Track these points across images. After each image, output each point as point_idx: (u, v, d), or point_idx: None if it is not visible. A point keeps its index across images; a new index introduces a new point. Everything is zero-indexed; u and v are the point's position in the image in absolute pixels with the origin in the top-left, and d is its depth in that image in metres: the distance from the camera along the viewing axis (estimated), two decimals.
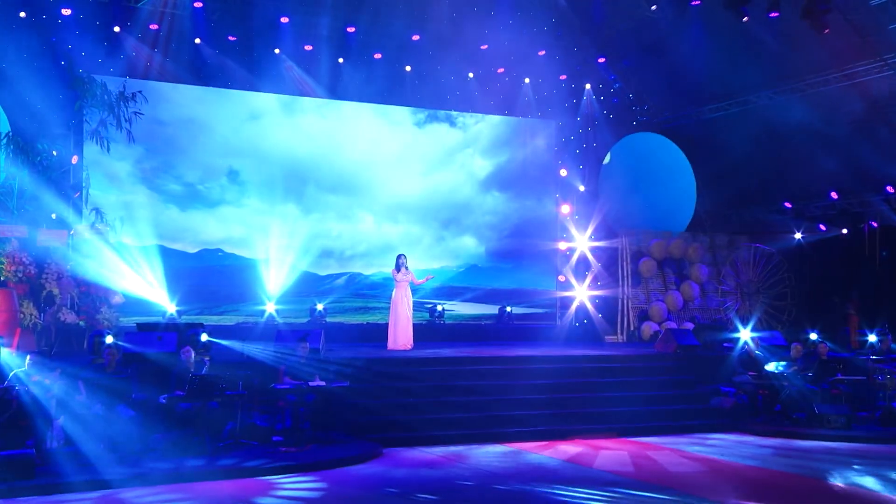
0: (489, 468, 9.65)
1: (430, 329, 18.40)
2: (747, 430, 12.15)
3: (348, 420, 11.18)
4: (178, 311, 16.22)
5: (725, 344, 14.79)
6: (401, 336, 14.68)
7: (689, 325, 17.69)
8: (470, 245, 20.23)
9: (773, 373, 13.04)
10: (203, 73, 17.56)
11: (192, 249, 17.74)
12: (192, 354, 10.88)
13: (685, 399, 13.01)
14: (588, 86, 20.82)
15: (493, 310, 19.90)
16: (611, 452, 10.63)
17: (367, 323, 18.33)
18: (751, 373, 13.05)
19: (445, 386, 12.24)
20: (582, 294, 19.94)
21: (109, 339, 11.15)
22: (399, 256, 15.11)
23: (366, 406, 11.55)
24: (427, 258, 19.52)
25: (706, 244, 20.43)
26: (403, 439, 10.96)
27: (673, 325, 18.44)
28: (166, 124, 17.54)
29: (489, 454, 10.42)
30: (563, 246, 20.54)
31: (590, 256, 20.14)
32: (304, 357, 11.27)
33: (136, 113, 14.48)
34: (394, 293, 14.94)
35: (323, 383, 10.94)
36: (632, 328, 19.08)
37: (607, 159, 20.97)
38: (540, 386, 12.52)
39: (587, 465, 9.83)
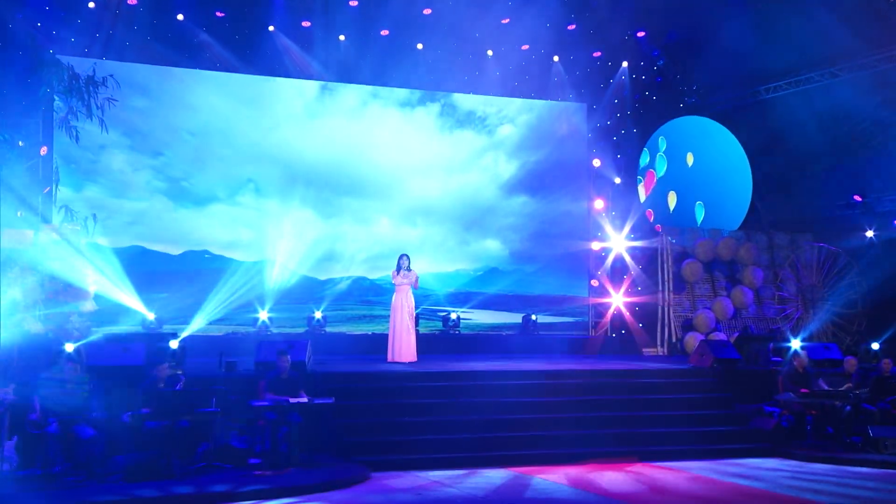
0: (485, 494, 9.78)
1: (443, 340, 18.60)
2: (790, 455, 12.11)
3: (335, 441, 11.40)
4: (157, 319, 16.62)
5: (773, 357, 14.76)
6: (401, 347, 14.88)
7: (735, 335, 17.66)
8: (492, 247, 20.40)
9: (826, 390, 13.01)
10: (188, 54, 17.98)
11: (176, 251, 18.12)
12: (166, 369, 11.13)
13: (720, 420, 13.00)
14: (625, 63, 20.85)
15: (516, 318, 20.04)
16: (628, 478, 10.70)
17: (373, 333, 18.55)
18: (802, 390, 12.99)
19: (448, 404, 12.38)
20: (618, 301, 19.98)
21: (69, 348, 11.47)
22: (401, 257, 15.30)
23: (355, 426, 11.74)
24: (444, 261, 19.75)
25: (763, 244, 20.33)
26: (396, 462, 11.12)
27: (722, 335, 18.40)
28: (151, 111, 17.99)
29: (490, 479, 10.54)
30: (596, 246, 20.60)
31: (627, 258, 20.17)
32: (284, 371, 11.48)
33: (108, 99, 14.82)
34: (393, 298, 15.19)
35: (305, 399, 11.15)
36: (674, 339, 19.05)
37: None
38: (556, 404, 12.64)
39: (599, 493, 9.90)
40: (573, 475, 10.81)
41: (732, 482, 10.58)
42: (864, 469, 11.48)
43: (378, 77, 19.41)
